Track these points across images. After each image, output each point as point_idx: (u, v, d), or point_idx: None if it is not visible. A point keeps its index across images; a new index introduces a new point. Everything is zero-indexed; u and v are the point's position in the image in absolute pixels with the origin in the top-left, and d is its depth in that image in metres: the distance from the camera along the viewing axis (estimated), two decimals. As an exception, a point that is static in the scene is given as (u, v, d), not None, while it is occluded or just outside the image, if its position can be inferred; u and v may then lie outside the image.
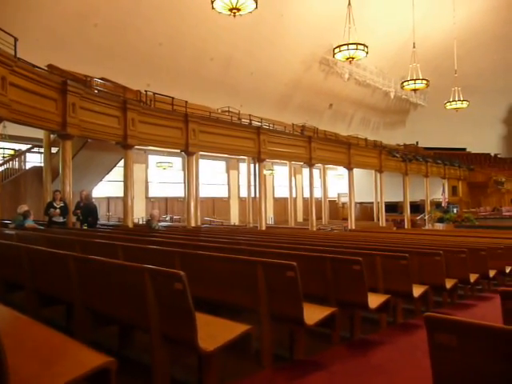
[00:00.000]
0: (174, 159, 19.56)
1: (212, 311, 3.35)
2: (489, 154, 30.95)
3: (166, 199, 20.90)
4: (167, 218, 19.67)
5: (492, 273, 6.55)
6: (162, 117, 12.32)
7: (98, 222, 11.47)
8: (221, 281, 3.55)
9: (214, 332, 2.53)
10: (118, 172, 15.69)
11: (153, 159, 19.99)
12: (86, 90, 10.40)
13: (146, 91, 13.74)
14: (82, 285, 3.05)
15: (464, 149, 31.10)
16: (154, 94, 13.47)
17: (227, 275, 3.48)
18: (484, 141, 30.38)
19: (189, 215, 13.24)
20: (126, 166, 11.49)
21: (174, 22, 16.44)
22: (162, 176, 20.55)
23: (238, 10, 10.73)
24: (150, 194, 20.39)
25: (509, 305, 2.28)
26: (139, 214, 18.01)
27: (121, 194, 12.41)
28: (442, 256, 5.14)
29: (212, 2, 10.27)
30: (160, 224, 12.20)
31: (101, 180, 16.14)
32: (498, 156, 30.85)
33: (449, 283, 5.27)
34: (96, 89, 12.17)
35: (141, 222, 16.69)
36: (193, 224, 13.36)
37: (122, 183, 11.78)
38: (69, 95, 9.51)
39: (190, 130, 12.81)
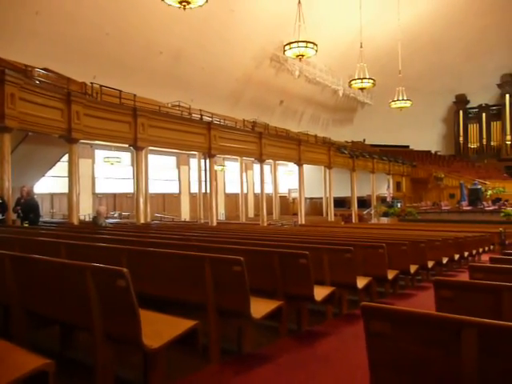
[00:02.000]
0: (122, 154, 19.02)
1: (160, 308, 3.31)
2: (430, 152, 32.55)
3: (115, 195, 20.31)
4: (115, 215, 19.14)
5: (430, 264, 6.92)
6: (110, 110, 11.93)
7: (41, 220, 10.98)
8: (169, 277, 3.51)
9: (160, 329, 2.51)
10: (62, 167, 15.05)
11: (100, 154, 19.33)
12: (25, 81, 9.86)
13: (91, 83, 13.26)
14: (20, 285, 2.92)
15: (407, 146, 32.51)
16: (101, 86, 13.02)
17: (175, 271, 3.45)
18: (425, 139, 31.95)
19: (138, 211, 12.95)
20: (70, 161, 11.03)
21: (122, 11, 15.93)
22: (109, 171, 19.94)
23: (188, 2, 10.58)
24: (97, 190, 19.73)
25: (441, 293, 2.44)
26: (86, 211, 17.40)
27: (65, 189, 11.91)
28: (385, 248, 5.36)
29: (161, -7, 10.05)
30: (107, 221, 11.86)
31: (43, 175, 15.44)
32: (438, 153, 32.52)
33: (391, 274, 5.52)
34: (38, 79, 11.57)
35: (87, 219, 16.12)
36: (142, 220, 13.08)
37: (67, 179, 11.30)
38: (6, 85, 8.98)
39: (139, 124, 12.50)
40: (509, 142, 29.07)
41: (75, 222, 11.00)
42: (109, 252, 3.90)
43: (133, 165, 16.55)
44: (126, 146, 13.21)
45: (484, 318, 1.54)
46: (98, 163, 19.56)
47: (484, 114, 30.38)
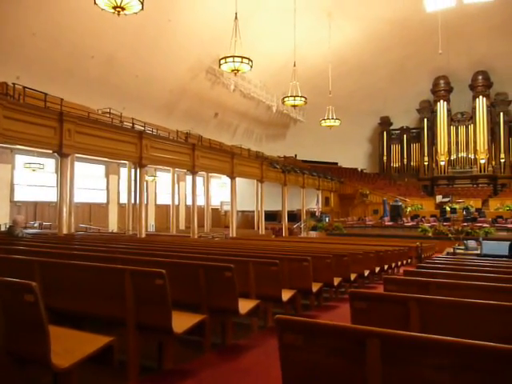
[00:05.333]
0: (45, 160, 17.96)
1: (79, 325, 3.15)
2: (356, 169, 34.26)
3: (36, 204, 19.05)
4: (35, 225, 17.93)
5: (353, 276, 7.22)
6: (33, 114, 11.21)
7: None
8: (88, 291, 3.35)
9: (73, 346, 2.38)
10: (-25, 172, 13.89)
11: (20, 159, 18.09)
12: None
13: (13, 84, 12.45)
14: None
15: (336, 163, 33.97)
16: (24, 87, 12.26)
17: (95, 285, 3.30)
18: (353, 157, 33.64)
19: (60, 222, 12.22)
20: (-15, 166, 10.23)
21: (52, 12, 15.18)
22: (31, 178, 18.70)
23: (123, 9, 10.33)
24: (16, 198, 18.39)
25: (356, 305, 2.55)
26: (2, 220, 16.14)
27: (-22, 196, 11.00)
28: (310, 262, 5.52)
29: (94, -3, 9.72)
30: (25, 231, 11.10)
31: (-47, 180, 14.15)
32: (364, 171, 34.32)
33: (315, 287, 5.68)
34: (-50, 76, 10.67)
35: (3, 229, 14.95)
36: (65, 231, 12.37)
37: (-20, 185, 10.45)
38: None
39: (65, 129, 11.89)
40: (426, 163, 31.41)
41: (-12, 231, 10.17)
42: (21, 264, 3.64)
43: (57, 172, 15.68)
44: (50, 151, 12.51)
45: (395, 328, 1.63)
46: (18, 169, 18.29)
47: (405, 136, 32.63)
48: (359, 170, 34.33)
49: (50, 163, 18.74)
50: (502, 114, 29.50)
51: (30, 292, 2.09)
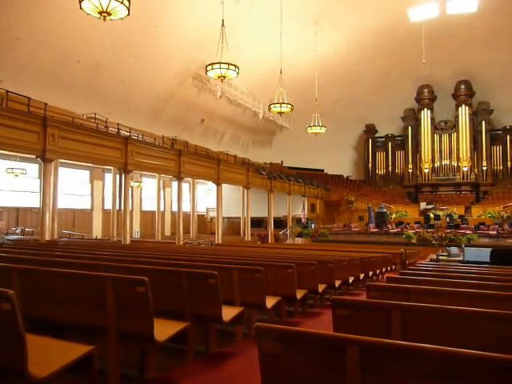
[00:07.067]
0: (28, 165, 17.70)
1: (60, 333, 3.10)
2: (342, 176, 34.52)
3: (18, 209, 18.75)
4: (17, 231, 17.63)
5: (337, 283, 7.25)
6: (16, 118, 11.05)
7: None
8: (69, 299, 3.29)
9: (52, 356, 2.33)
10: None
11: (2, 164, 17.80)
12: None
13: (-4, 88, 12.28)
14: None
15: (322, 170, 34.17)
16: (7, 91, 12.09)
17: (76, 293, 3.25)
18: (338, 164, 33.90)
19: (43, 228, 12.03)
20: (-35, 171, 10.04)
21: (36, 16, 15.04)
22: (13, 183, 18.40)
23: (109, 14, 10.29)
24: (-2, 204, 18.09)
25: (338, 312, 2.56)
26: (-18, 226, 15.83)
27: (-42, 202, 10.78)
28: (294, 268, 5.52)
29: (80, 2, 9.65)
30: (7, 237, 10.91)
31: None
32: (350, 178, 34.60)
33: (299, 294, 5.67)
34: None
35: (-17, 235, 14.64)
36: (47, 237, 12.17)
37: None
38: None
39: (49, 134, 11.74)
40: (411, 171, 31.80)
41: (-32, 238, 9.96)
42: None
43: (40, 177, 15.45)
44: (34, 157, 12.34)
45: (377, 335, 1.63)
46: (-1, 174, 18.00)
47: (390, 144, 33.01)
48: (345, 176, 34.58)
49: (33, 168, 18.48)
50: (483, 122, 30.07)
51: (7, 300, 2.04)
